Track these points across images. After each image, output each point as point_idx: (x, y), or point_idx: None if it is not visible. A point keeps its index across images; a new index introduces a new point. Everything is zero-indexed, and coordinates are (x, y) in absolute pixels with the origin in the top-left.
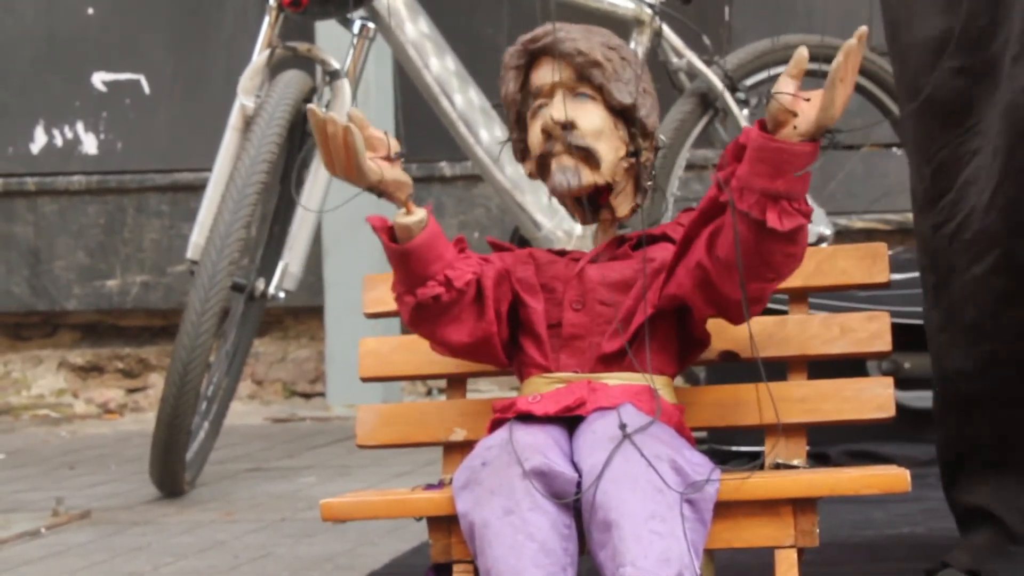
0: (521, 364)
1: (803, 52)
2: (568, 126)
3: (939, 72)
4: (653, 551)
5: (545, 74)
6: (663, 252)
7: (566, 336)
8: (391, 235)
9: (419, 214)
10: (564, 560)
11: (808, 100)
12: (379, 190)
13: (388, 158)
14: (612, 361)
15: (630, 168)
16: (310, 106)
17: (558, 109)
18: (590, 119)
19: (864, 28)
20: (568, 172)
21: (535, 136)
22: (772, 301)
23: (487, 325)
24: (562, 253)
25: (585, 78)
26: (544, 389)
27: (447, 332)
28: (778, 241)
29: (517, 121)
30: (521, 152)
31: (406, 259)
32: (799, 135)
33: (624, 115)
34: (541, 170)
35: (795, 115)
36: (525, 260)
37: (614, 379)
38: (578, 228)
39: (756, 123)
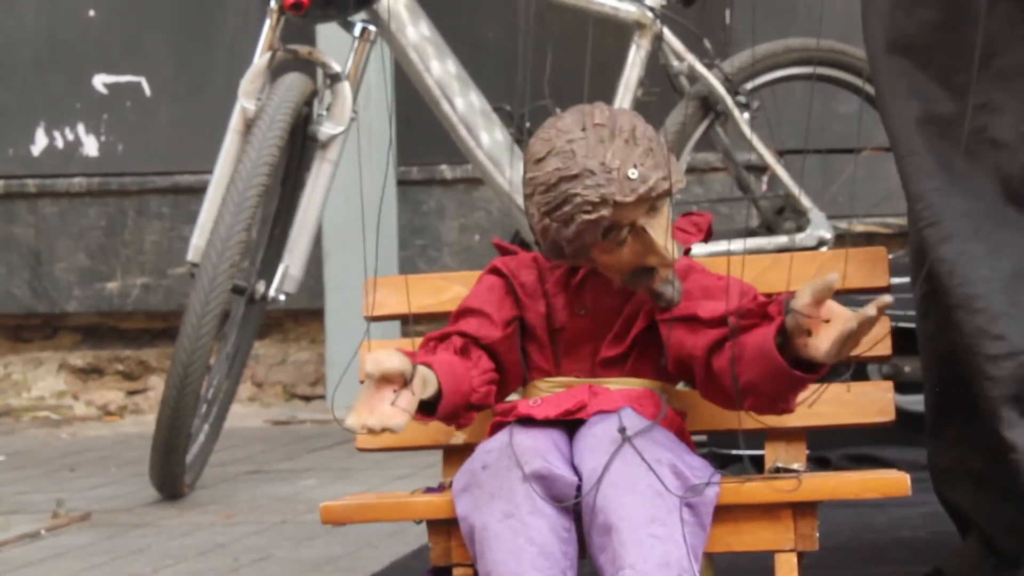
0: (525, 368)
1: (834, 279)
2: None
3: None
4: (653, 555)
5: (625, 214)
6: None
7: (569, 341)
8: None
9: (430, 387)
10: (564, 564)
11: (827, 322)
12: None
13: (405, 384)
14: (613, 365)
15: None
16: (353, 428)
17: (668, 250)
18: (667, 226)
19: (886, 299)
20: (676, 286)
21: (623, 263)
22: None
23: (516, 385)
24: None
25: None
26: (546, 393)
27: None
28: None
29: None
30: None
31: (437, 418)
32: (808, 355)
33: None
34: (627, 281)
35: (810, 334)
36: (529, 265)
37: (615, 384)
38: None
39: (774, 329)
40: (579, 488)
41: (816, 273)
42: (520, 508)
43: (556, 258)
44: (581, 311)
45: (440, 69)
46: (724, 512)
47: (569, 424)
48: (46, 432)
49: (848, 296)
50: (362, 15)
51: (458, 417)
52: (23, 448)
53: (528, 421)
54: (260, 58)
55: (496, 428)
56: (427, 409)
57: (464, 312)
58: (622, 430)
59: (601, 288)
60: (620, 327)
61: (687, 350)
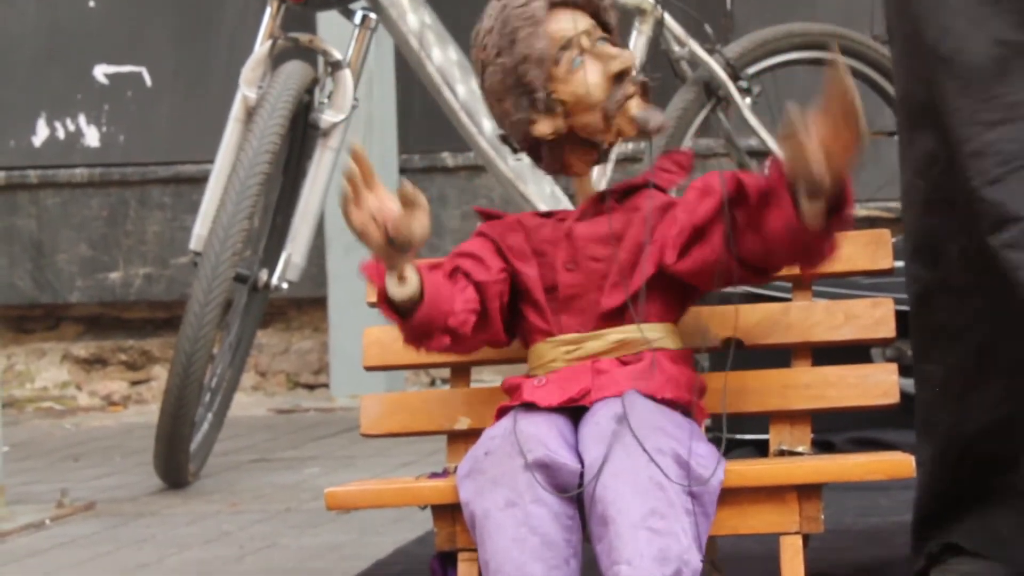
0: (524, 332)
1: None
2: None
3: (979, 40)
4: (649, 550)
5: (568, 23)
6: (649, 201)
7: (564, 298)
8: (386, 293)
9: (411, 285)
10: (567, 552)
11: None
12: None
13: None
14: (614, 316)
15: None
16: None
17: (623, 54)
18: (621, 56)
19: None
20: (653, 111)
21: (592, 87)
22: (775, 288)
23: (494, 334)
24: (549, 215)
25: (602, 23)
26: (550, 354)
27: (455, 351)
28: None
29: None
30: (546, 113)
31: (409, 328)
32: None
33: None
34: (609, 110)
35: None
36: (514, 227)
37: (617, 334)
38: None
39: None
40: (583, 475)
41: None
42: (522, 497)
43: (521, 132)
44: (572, 266)
45: (441, 56)
46: (729, 495)
47: (575, 407)
48: (50, 423)
49: (851, 279)
50: (362, 2)
51: (430, 337)
52: (27, 439)
53: (532, 406)
54: (261, 46)
55: (501, 413)
56: (402, 312)
57: (457, 255)
58: (619, 419)
59: (589, 240)
60: (617, 275)
61: (711, 260)
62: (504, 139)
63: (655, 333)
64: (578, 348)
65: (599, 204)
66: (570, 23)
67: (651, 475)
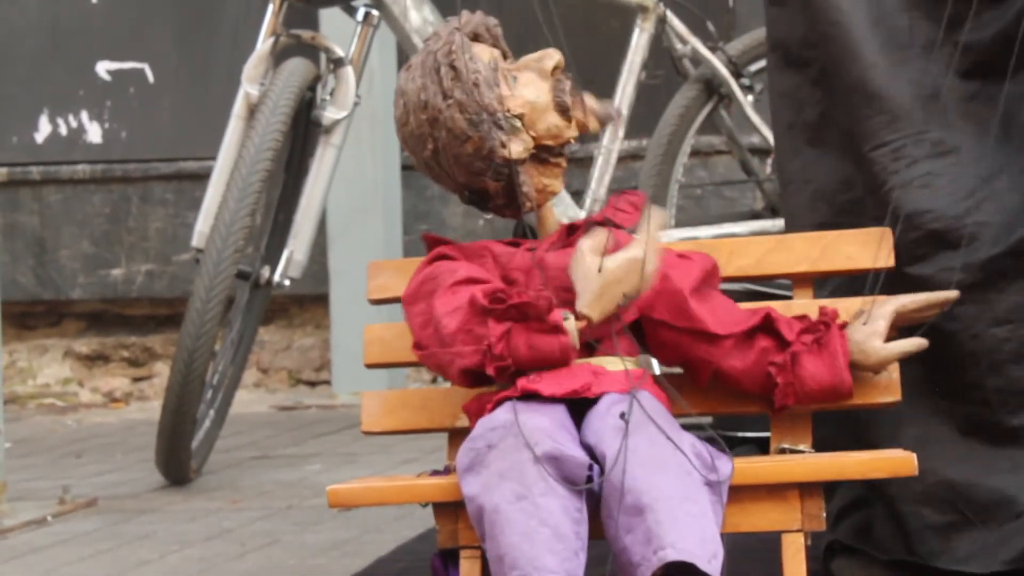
0: None
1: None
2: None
3: (901, 81)
4: (691, 532)
5: (483, 51)
6: (615, 238)
7: None
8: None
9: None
10: (576, 544)
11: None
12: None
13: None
14: (583, 348)
15: None
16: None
17: (548, 52)
18: None
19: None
20: (603, 101)
21: (539, 89)
22: (776, 287)
23: None
24: (515, 244)
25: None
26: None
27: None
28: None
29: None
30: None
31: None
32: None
33: None
34: (562, 113)
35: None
36: (481, 254)
37: (595, 363)
38: (582, 215)
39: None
40: (591, 467)
41: (821, 255)
42: (532, 490)
43: (494, 169)
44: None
45: None
46: (731, 493)
47: (570, 402)
48: (52, 419)
49: (852, 277)
50: (365, 0)
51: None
52: (29, 435)
53: (530, 397)
54: (263, 43)
55: (482, 401)
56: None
57: (474, 281)
58: (636, 411)
59: (561, 269)
60: None
61: (697, 354)
62: (472, 199)
63: (623, 366)
64: None
65: (568, 236)
66: (486, 51)
67: (679, 463)
